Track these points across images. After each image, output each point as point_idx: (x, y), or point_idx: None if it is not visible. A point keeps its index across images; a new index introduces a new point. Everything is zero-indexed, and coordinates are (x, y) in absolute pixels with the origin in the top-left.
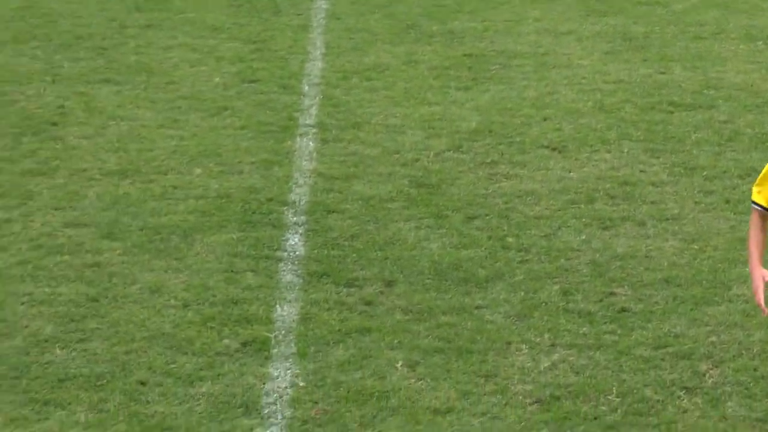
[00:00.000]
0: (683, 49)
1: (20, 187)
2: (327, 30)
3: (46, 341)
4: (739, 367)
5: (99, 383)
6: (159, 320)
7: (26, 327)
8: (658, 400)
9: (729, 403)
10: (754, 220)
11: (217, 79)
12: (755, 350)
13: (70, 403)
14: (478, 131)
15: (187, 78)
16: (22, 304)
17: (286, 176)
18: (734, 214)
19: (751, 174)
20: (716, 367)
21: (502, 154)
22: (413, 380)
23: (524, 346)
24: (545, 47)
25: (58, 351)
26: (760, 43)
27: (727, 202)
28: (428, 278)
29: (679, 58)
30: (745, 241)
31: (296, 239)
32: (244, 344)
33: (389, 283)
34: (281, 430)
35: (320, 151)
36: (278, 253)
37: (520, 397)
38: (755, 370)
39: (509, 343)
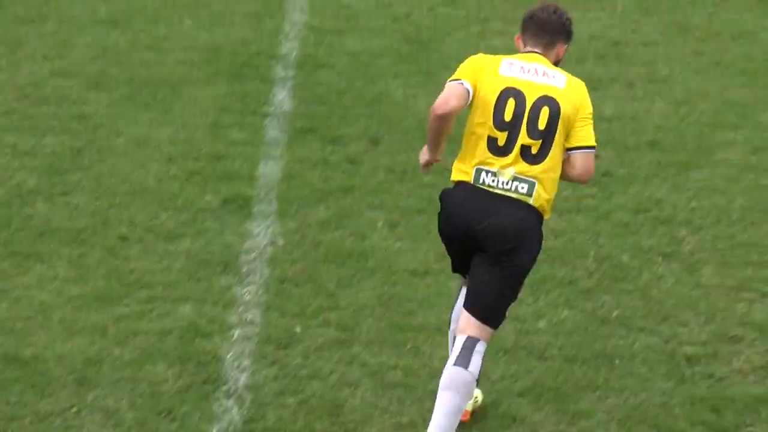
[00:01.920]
0: None
1: (8, 34)
2: None
3: (29, 194)
4: (717, 233)
5: (80, 237)
6: (143, 174)
7: (10, 179)
8: (634, 266)
9: (704, 270)
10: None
11: None
12: (734, 217)
13: (50, 257)
14: None
15: None
16: (6, 155)
17: (276, 29)
18: (724, 76)
19: (744, 36)
20: (695, 233)
21: (495, 9)
22: (392, 240)
23: None
24: None
25: (40, 204)
26: None
27: (718, 64)
28: (414, 137)
29: None
30: (733, 105)
31: (283, 94)
32: (226, 201)
33: (374, 141)
34: (259, 288)
35: (312, 3)
36: (265, 108)
37: None
38: (733, 237)
39: None
